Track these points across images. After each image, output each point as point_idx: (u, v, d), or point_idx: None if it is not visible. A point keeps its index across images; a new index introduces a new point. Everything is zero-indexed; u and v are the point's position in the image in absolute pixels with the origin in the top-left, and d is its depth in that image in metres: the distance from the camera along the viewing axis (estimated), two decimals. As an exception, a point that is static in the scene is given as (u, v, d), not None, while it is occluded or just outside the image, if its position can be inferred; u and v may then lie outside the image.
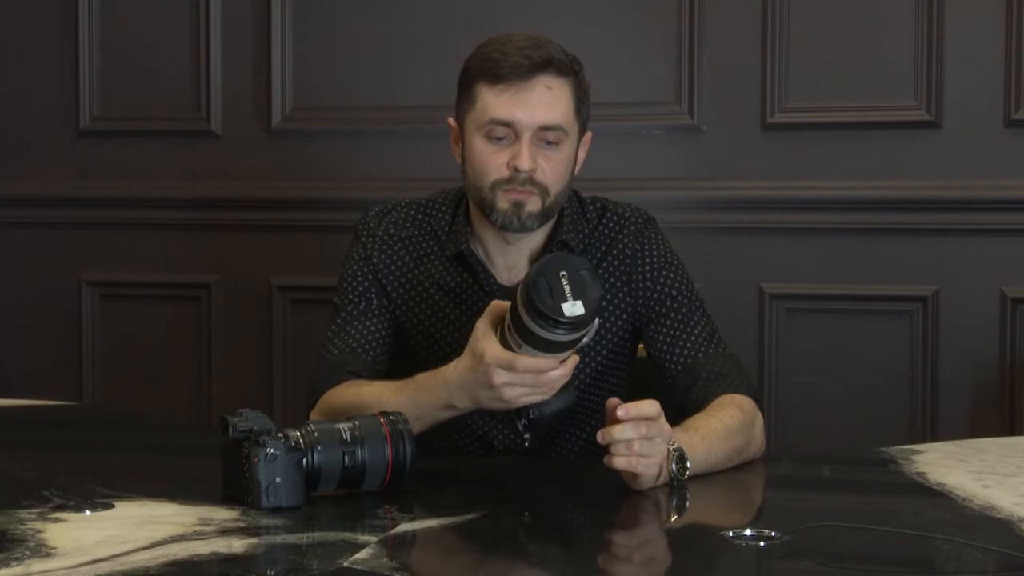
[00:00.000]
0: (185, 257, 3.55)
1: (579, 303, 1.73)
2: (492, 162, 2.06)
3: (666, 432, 1.82)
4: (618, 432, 1.77)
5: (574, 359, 1.82)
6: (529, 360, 1.78)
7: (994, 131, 3.09)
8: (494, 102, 2.05)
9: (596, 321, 1.77)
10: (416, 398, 1.93)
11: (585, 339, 1.79)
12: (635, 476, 1.79)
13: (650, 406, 1.80)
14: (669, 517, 1.81)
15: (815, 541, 1.55)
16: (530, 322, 1.73)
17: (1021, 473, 1.96)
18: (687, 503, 1.85)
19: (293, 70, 3.45)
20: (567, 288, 1.73)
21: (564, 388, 1.84)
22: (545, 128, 2.05)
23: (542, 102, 2.05)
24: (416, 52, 3.36)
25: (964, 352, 3.11)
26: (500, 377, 1.80)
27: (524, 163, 2.04)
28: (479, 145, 2.07)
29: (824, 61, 3.16)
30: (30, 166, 3.63)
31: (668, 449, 1.82)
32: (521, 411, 1.85)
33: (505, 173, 2.05)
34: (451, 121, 2.16)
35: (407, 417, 1.81)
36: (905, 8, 3.10)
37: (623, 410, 1.78)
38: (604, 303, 2.13)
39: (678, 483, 1.83)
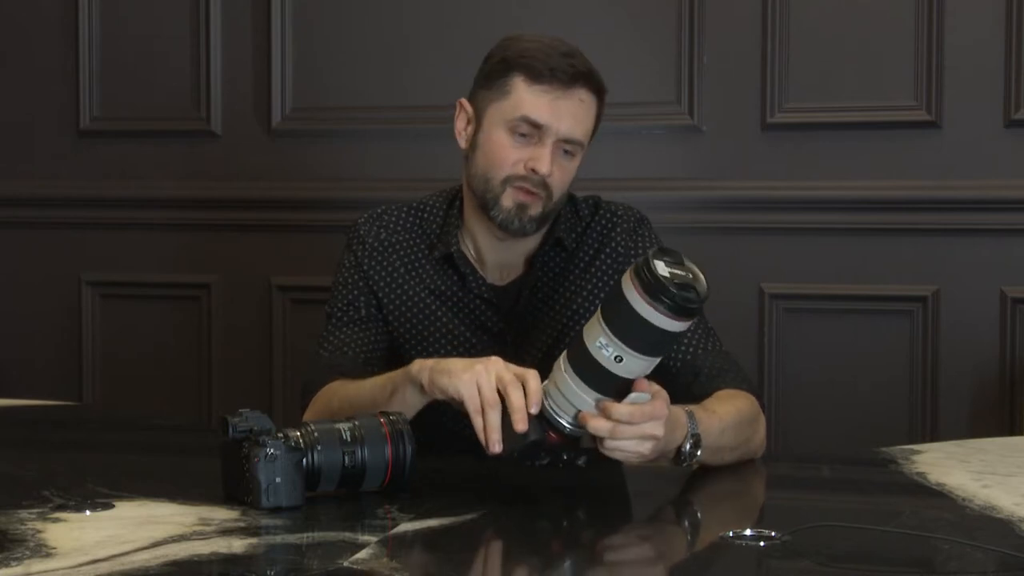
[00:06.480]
0: (185, 257, 3.55)
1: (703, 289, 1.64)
2: (509, 157, 2.06)
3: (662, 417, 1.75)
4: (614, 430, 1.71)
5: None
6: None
7: (994, 131, 3.08)
8: (532, 100, 2.03)
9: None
10: (391, 375, 1.92)
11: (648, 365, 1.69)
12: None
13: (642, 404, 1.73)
14: (669, 517, 1.81)
15: (815, 541, 1.55)
16: (647, 298, 1.62)
17: (1021, 473, 1.96)
18: (687, 503, 1.85)
19: (293, 70, 3.45)
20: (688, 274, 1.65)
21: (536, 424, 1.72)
22: (569, 140, 2.05)
23: (575, 114, 2.05)
24: (416, 52, 3.36)
25: (964, 352, 3.11)
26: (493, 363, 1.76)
27: (544, 167, 2.04)
28: (500, 137, 2.06)
29: (824, 61, 3.16)
30: (30, 166, 3.63)
31: (687, 431, 1.81)
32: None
33: (520, 171, 2.05)
34: (465, 103, 2.13)
35: (384, 399, 1.86)
36: (905, 8, 3.10)
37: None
38: (598, 302, 2.12)
39: (685, 467, 1.82)
